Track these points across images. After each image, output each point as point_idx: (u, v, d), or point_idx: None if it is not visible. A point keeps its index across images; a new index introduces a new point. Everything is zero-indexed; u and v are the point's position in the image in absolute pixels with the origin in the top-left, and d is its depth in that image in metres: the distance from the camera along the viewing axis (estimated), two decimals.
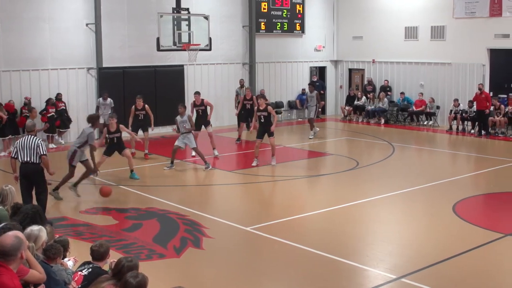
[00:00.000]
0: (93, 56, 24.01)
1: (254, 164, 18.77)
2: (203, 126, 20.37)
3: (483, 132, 24.57)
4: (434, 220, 13.30)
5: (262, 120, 18.77)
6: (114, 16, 24.33)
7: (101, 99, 22.49)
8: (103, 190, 14.68)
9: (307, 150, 22.29)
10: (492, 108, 24.88)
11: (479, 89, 24.69)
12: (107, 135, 16.80)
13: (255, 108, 19.50)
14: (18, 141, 12.65)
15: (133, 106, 20.35)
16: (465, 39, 26.72)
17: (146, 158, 20.08)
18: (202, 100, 20.49)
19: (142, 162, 19.41)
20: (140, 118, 20.42)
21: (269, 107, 18.86)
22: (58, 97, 22.99)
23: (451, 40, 27.34)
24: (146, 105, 20.35)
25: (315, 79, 31.40)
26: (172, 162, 18.35)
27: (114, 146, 16.87)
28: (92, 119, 15.44)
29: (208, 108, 20.67)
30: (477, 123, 25.10)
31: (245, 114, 23.09)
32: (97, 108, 22.39)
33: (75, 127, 23.48)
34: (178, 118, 18.32)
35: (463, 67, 27.06)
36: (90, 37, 23.90)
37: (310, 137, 24.11)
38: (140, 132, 20.38)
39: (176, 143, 18.25)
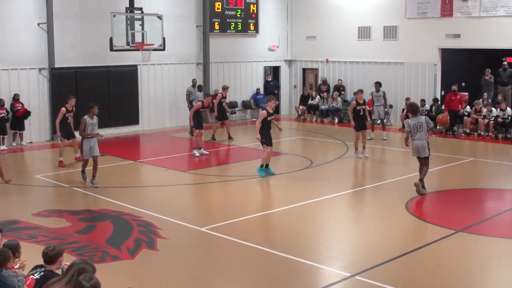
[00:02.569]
0: (45, 56, 23.63)
1: (360, 156, 19.81)
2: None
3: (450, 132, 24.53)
4: (387, 218, 13.46)
5: (362, 113, 19.87)
6: (66, 15, 23.98)
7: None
8: (442, 119, 16.03)
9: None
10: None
11: (454, 90, 24.52)
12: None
13: (353, 102, 20.28)
14: None
15: (64, 108, 18.84)
16: (417, 39, 27.07)
17: (77, 160, 19.07)
18: None
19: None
20: (68, 121, 19.07)
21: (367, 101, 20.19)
22: (16, 97, 22.63)
23: (404, 40, 27.67)
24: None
25: (270, 79, 31.49)
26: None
27: None
28: (414, 107, 15.57)
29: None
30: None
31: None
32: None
33: (28, 128, 23.17)
34: None
35: (415, 66, 27.41)
36: (41, 37, 23.52)
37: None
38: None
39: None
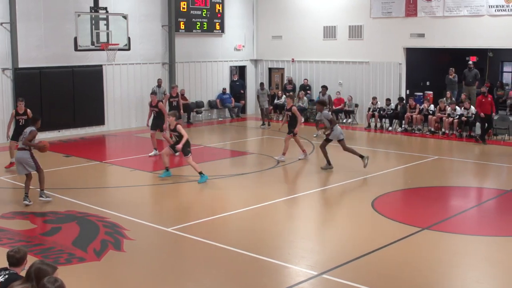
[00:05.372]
0: (8, 57, 23.30)
1: (301, 157, 19.98)
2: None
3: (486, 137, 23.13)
4: (353, 216, 13.54)
5: (288, 119, 20.15)
6: (30, 15, 23.69)
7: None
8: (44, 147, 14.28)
9: (228, 149, 22.32)
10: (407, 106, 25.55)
11: (483, 92, 22.95)
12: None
13: (286, 107, 20.79)
14: None
15: (14, 110, 18.61)
16: (382, 39, 27.27)
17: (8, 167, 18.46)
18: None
19: (57, 164, 19.00)
20: (21, 124, 18.38)
21: (294, 108, 20.05)
22: None
23: (369, 40, 27.84)
24: (28, 110, 18.46)
25: (236, 79, 31.48)
26: None
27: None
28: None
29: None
30: (478, 125, 23.46)
31: None
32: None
33: None
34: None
35: (380, 65, 27.61)
36: (5, 37, 23.18)
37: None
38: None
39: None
